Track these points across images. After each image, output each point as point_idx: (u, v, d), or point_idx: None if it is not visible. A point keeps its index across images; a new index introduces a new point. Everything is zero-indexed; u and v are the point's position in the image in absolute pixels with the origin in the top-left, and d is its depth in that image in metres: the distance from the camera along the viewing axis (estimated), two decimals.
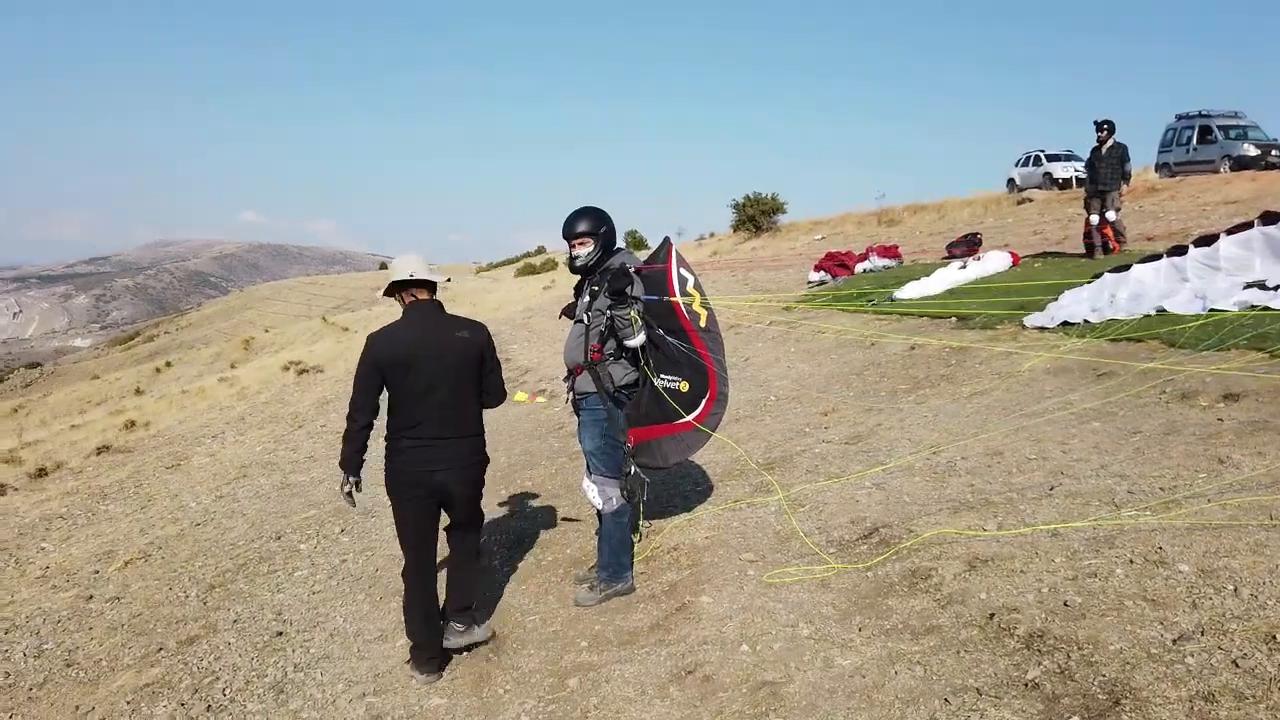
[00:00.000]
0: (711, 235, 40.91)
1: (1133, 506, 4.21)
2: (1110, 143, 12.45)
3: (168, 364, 47.83)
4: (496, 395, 4.36)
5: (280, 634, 4.92)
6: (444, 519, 4.31)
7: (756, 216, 33.64)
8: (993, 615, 3.52)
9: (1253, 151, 22.46)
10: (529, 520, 6.27)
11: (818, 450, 6.34)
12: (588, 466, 4.66)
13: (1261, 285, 7.31)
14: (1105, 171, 12.42)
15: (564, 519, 6.12)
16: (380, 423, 4.12)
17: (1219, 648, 2.98)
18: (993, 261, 12.64)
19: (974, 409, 6.47)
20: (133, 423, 18.45)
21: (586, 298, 4.52)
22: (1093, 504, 4.35)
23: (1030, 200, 25.70)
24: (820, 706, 3.24)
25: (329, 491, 7.71)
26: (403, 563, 4.28)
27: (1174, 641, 3.07)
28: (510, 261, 74.45)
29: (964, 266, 12.40)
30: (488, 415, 4.39)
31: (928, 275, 12.28)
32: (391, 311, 4.26)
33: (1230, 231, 8.21)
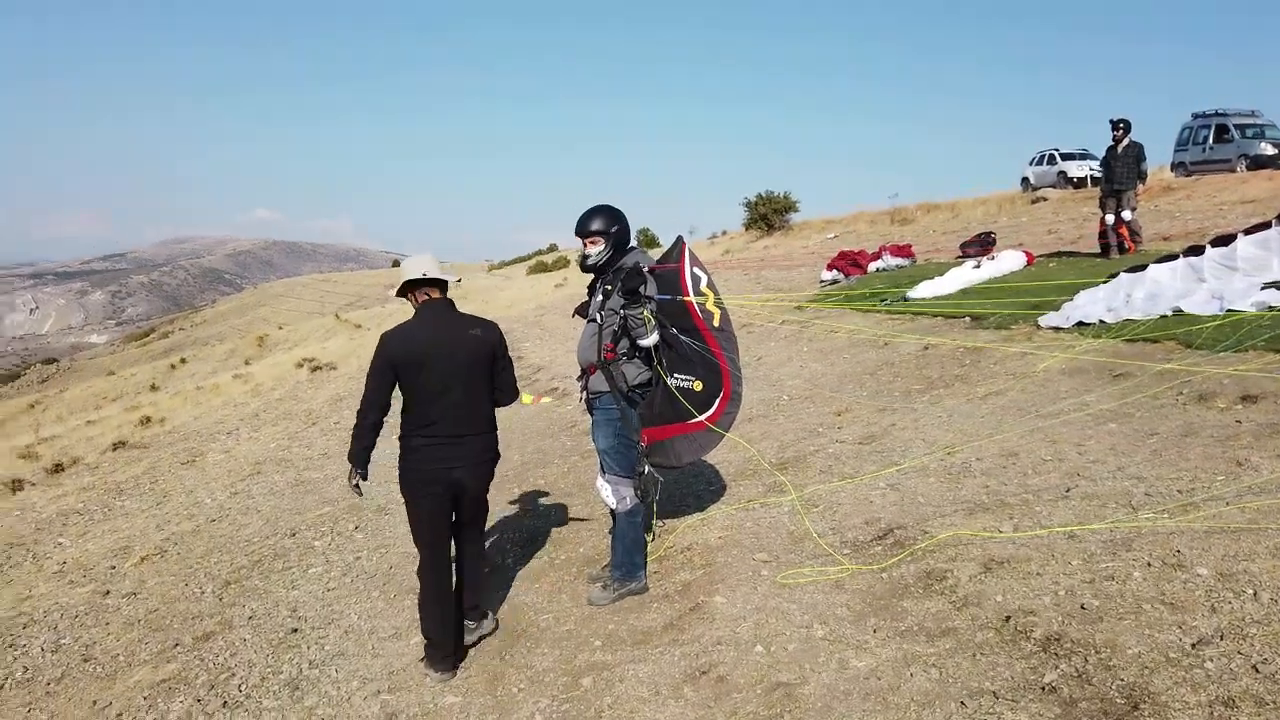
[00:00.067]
0: (723, 234, 40.86)
1: (1150, 509, 4.18)
2: (1126, 142, 12.37)
3: (183, 360, 48.12)
4: (509, 393, 4.40)
5: (295, 631, 4.94)
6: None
7: (769, 215, 33.59)
8: (1009, 618, 3.50)
9: (1270, 150, 22.28)
10: (542, 518, 6.28)
11: (831, 450, 6.32)
12: (601, 466, 4.66)
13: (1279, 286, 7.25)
14: (1121, 170, 12.34)
15: (573, 519, 6.13)
16: (392, 420, 4.15)
17: (1239, 652, 2.95)
18: (1007, 261, 12.57)
19: (989, 409, 6.44)
20: (148, 419, 18.58)
21: (600, 297, 4.51)
22: (1110, 506, 4.32)
23: (1045, 199, 25.56)
24: (835, 708, 3.23)
25: (343, 488, 7.74)
26: (417, 560, 4.30)
27: (1193, 646, 3.05)
28: (522, 259, 74.56)
29: (978, 266, 12.34)
30: (500, 413, 4.42)
31: (941, 275, 12.23)
32: (404, 308, 4.29)
33: (1248, 231, 8.14)
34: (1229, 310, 7.14)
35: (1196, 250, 8.36)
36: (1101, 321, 7.90)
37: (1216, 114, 23.84)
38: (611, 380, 4.44)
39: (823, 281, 15.78)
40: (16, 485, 11.84)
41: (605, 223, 4.47)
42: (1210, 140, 23.62)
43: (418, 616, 4.35)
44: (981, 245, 15.61)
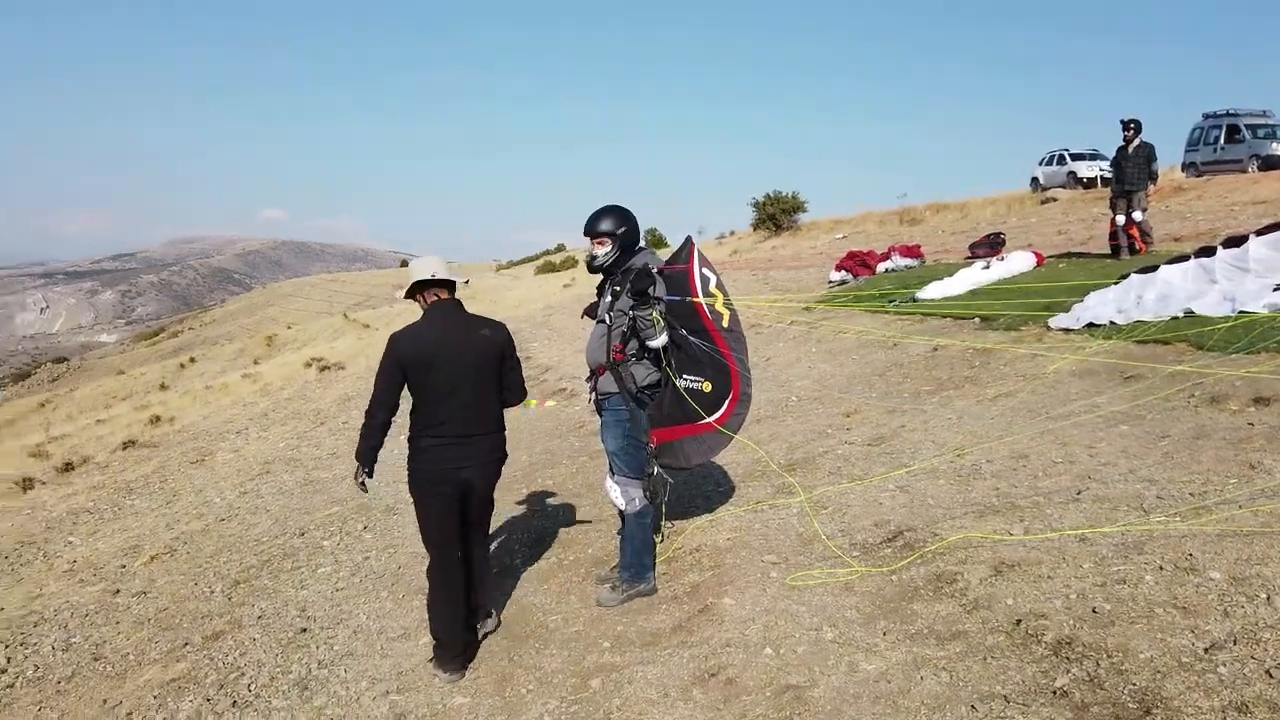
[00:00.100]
0: (731, 234, 40.84)
1: (1162, 512, 4.16)
2: (1137, 142, 12.31)
3: (192, 360, 48.33)
4: (517, 393, 4.42)
5: (304, 630, 4.95)
6: None
7: (777, 215, 33.54)
8: (1020, 621, 3.49)
9: None
10: (550, 519, 6.28)
11: (840, 452, 6.31)
12: (610, 467, 4.66)
13: None
14: (1132, 171, 12.27)
15: (581, 519, 6.12)
16: (400, 420, 4.16)
17: (1252, 657, 2.94)
18: (1016, 262, 12.52)
19: (999, 411, 6.42)
20: (158, 418, 18.67)
21: (609, 298, 4.50)
22: (1121, 509, 4.30)
23: (1054, 200, 25.46)
24: (845, 711, 3.22)
25: (351, 488, 7.74)
26: (426, 561, 4.31)
27: (1206, 650, 3.03)
28: (530, 259, 74.66)
29: (987, 267, 12.30)
30: (507, 414, 4.43)
31: (950, 275, 12.18)
32: (412, 308, 4.30)
33: (1260, 232, 8.08)
34: (1241, 312, 7.10)
35: (1208, 251, 8.31)
36: (1112, 323, 7.86)
37: (1228, 114, 23.71)
38: (620, 381, 4.43)
39: (831, 282, 15.74)
40: (27, 484, 11.91)
41: (613, 224, 4.46)
42: (1221, 140, 23.49)
43: (426, 617, 4.36)
44: (991, 246, 15.55)
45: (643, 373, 4.49)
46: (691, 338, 4.45)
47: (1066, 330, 8.16)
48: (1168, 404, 5.72)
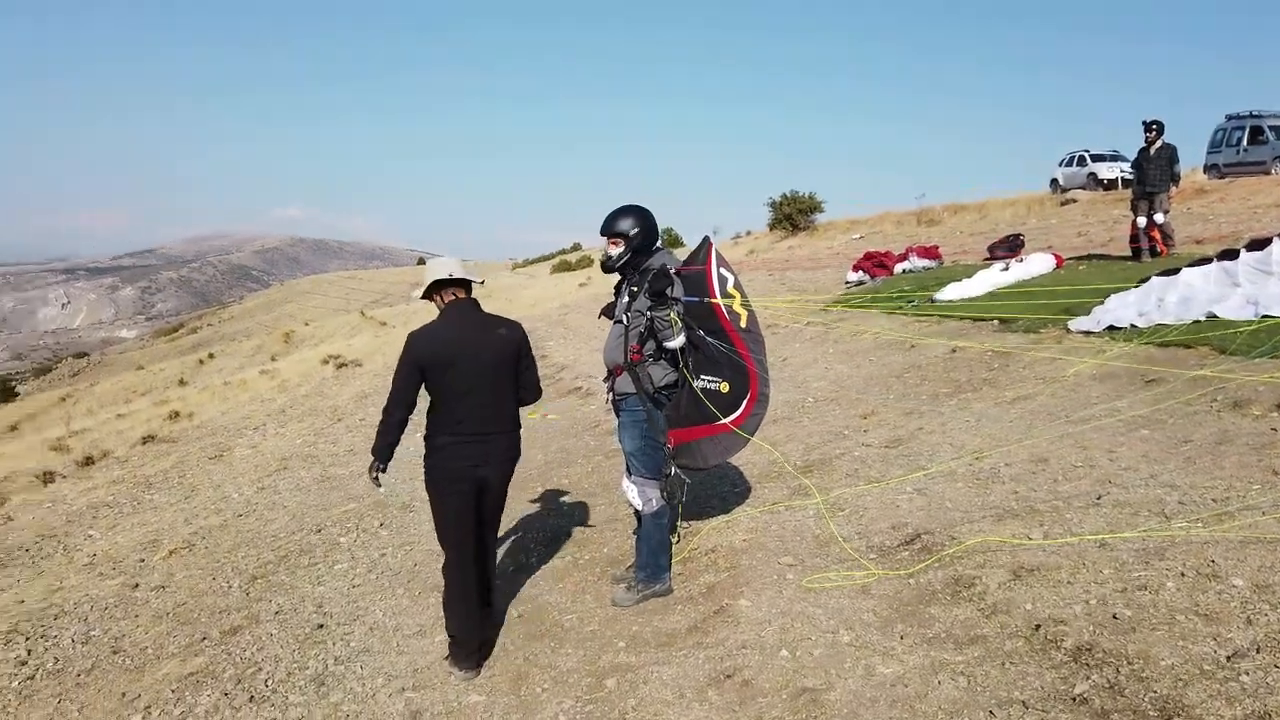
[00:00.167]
0: (748, 234, 40.77)
1: (1184, 518, 4.11)
2: (1159, 143, 12.19)
3: (210, 356, 48.69)
4: (533, 392, 4.44)
5: (321, 626, 4.98)
6: None
7: (794, 215, 33.46)
8: (1039, 626, 3.46)
9: None
10: (565, 518, 6.29)
11: (857, 454, 6.28)
12: (627, 467, 4.65)
13: None
14: (1154, 173, 12.16)
15: (596, 519, 6.12)
16: (415, 418, 4.18)
17: (1275, 665, 2.90)
18: (1036, 263, 12.43)
19: (1018, 414, 6.37)
20: (177, 413, 18.82)
21: (626, 298, 4.50)
22: (1142, 514, 4.26)
23: (1074, 201, 25.29)
24: (862, 715, 3.20)
25: (368, 485, 7.78)
26: (443, 559, 4.32)
27: (1228, 658, 3.00)
28: (546, 258, 74.79)
29: (1006, 268, 12.22)
30: (522, 413, 4.44)
31: (969, 277, 12.11)
32: (430, 305, 4.32)
33: None
34: (1264, 315, 7.02)
35: (1231, 254, 8.22)
36: (1133, 326, 7.79)
37: (1251, 115, 23.46)
38: (638, 382, 4.43)
39: (848, 283, 15.69)
40: (48, 477, 12.03)
41: (626, 224, 4.44)
42: (1244, 142, 23.25)
43: (442, 614, 4.38)
44: (1010, 247, 15.46)
45: (660, 373, 4.48)
46: (709, 338, 4.44)
47: (1086, 333, 8.10)
48: (1189, 408, 5.66)
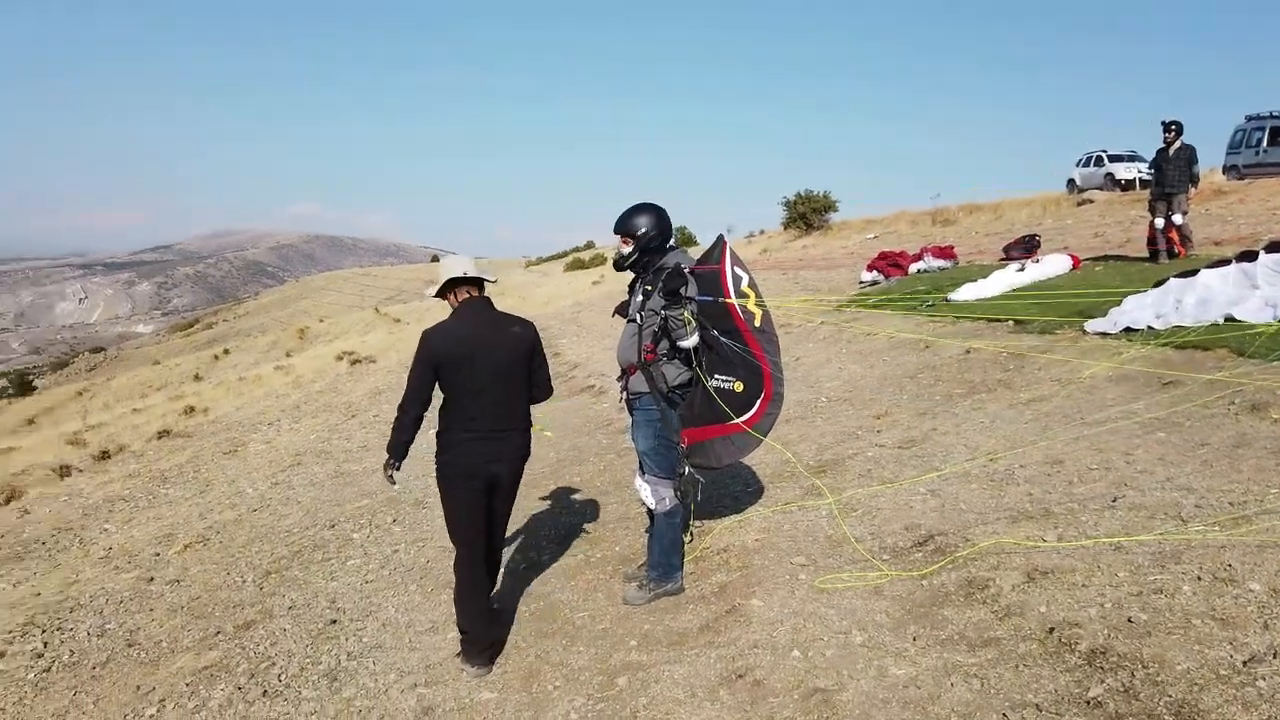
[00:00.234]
0: (761, 232, 40.71)
1: (1200, 521, 4.08)
2: (1178, 144, 12.09)
3: (226, 351, 49.00)
4: (544, 390, 4.46)
5: (334, 622, 5.00)
6: None
7: (808, 214, 33.37)
8: (1053, 629, 3.44)
9: None
10: (577, 516, 6.29)
11: (870, 454, 6.26)
12: (640, 466, 4.65)
13: None
14: (1173, 174, 12.06)
15: (608, 517, 6.12)
16: (428, 414, 4.19)
17: None
18: (1052, 264, 12.35)
19: (1033, 416, 6.34)
20: (192, 408, 18.94)
21: (640, 297, 4.49)
22: (1158, 517, 4.23)
23: (1091, 201, 25.11)
24: (874, 716, 3.19)
25: (381, 482, 7.81)
26: (454, 555, 4.33)
27: (1244, 663, 2.97)
28: (559, 256, 74.89)
29: (1022, 269, 12.15)
30: (536, 411, 4.46)
31: (984, 277, 12.06)
32: (443, 302, 4.34)
33: None
34: None
35: (1250, 256, 8.15)
36: (1150, 328, 7.74)
37: (1271, 116, 23.24)
38: (651, 381, 4.43)
39: (862, 282, 15.64)
40: (64, 471, 12.15)
41: (637, 223, 4.43)
42: (1264, 143, 23.03)
43: (454, 611, 4.39)
44: (1025, 248, 15.37)
45: (674, 372, 4.47)
46: (723, 338, 4.43)
47: (1103, 334, 8.04)
48: (1207, 411, 5.62)
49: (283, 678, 4.40)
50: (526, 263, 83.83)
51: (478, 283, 4.30)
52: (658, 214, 4.47)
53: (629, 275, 4.66)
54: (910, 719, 3.14)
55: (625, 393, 4.61)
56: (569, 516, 6.32)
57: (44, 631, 5.30)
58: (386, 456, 4.27)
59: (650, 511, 4.66)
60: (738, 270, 4.52)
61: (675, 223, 4.80)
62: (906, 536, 4.70)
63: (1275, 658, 2.96)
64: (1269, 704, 2.75)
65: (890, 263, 15.58)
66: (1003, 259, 15.10)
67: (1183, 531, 4.00)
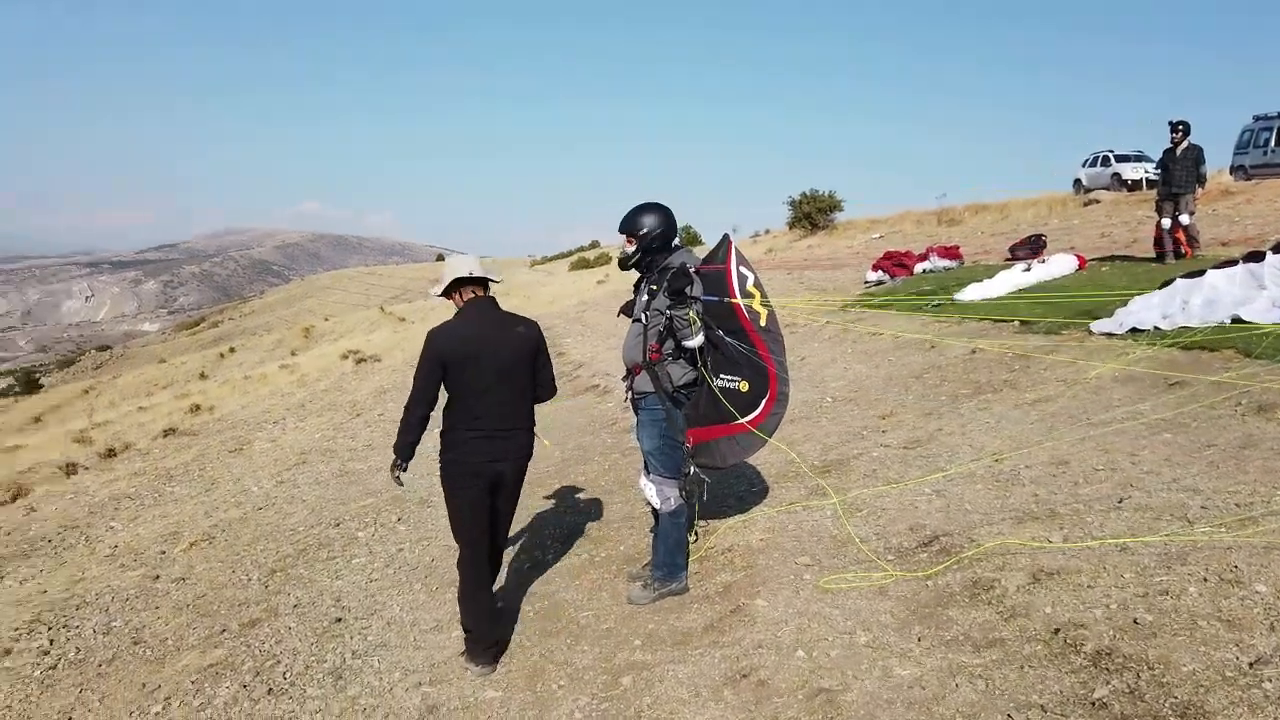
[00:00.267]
0: (767, 232, 40.69)
1: (1207, 522, 4.07)
2: (1185, 144, 12.06)
3: (231, 350, 49.12)
4: (548, 389, 4.47)
5: (339, 620, 5.01)
6: None
7: (813, 214, 33.35)
8: (1058, 630, 3.43)
9: None
10: (582, 515, 6.29)
11: (875, 454, 6.25)
12: (646, 465, 4.65)
13: None
14: (1180, 174, 12.03)
15: (613, 516, 6.13)
16: (433, 413, 4.20)
17: None
18: (1058, 264, 12.34)
19: (1038, 416, 6.32)
20: (198, 406, 18.99)
21: (645, 296, 4.49)
22: (1164, 518, 4.22)
23: (1097, 201, 25.06)
24: (878, 717, 3.19)
25: (386, 480, 7.81)
26: (457, 554, 4.34)
27: (1251, 665, 2.96)
28: (564, 255, 74.92)
29: (1028, 269, 12.13)
30: (540, 410, 4.45)
31: (990, 277, 12.04)
32: (447, 301, 4.34)
33: None
34: None
35: (1257, 256, 8.13)
36: (1156, 328, 7.72)
37: (1279, 116, 23.17)
38: (656, 381, 4.42)
39: (868, 282, 15.63)
40: (71, 469, 12.19)
41: (639, 224, 4.43)
42: (1272, 143, 22.95)
43: (458, 610, 4.39)
44: (1031, 248, 15.35)
45: (679, 372, 4.47)
46: (728, 338, 4.42)
47: (1109, 335, 8.03)
48: (1213, 412, 5.60)
49: (288, 676, 4.41)
50: (531, 262, 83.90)
51: (483, 282, 4.30)
52: (662, 214, 4.47)
53: (634, 275, 4.66)
54: (914, 719, 3.13)
55: (630, 392, 4.61)
56: (573, 516, 6.33)
57: (50, 629, 5.32)
58: (393, 457, 4.27)
59: (655, 511, 4.66)
60: (743, 270, 4.51)
61: (680, 222, 4.80)
62: (911, 537, 4.69)
63: None
64: (1275, 706, 2.74)
65: (896, 262, 15.56)
66: (1008, 259, 15.09)
67: (1189, 533, 3.99)
